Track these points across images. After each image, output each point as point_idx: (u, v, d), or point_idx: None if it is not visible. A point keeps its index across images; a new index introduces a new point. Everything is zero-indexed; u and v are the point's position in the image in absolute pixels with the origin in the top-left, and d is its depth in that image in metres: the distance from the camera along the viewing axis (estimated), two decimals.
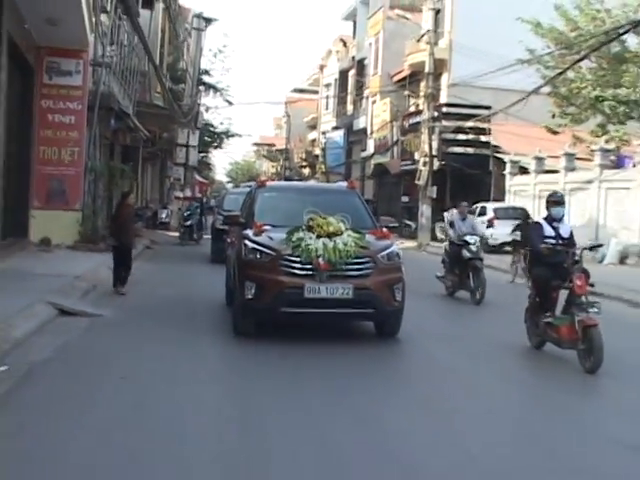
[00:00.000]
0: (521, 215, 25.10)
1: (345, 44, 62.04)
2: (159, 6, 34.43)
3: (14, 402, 6.52)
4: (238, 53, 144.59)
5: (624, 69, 27.67)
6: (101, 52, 21.57)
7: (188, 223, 28.67)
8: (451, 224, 15.19)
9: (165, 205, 39.67)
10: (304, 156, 74.81)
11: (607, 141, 27.44)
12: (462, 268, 14.46)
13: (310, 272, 9.43)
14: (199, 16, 41.84)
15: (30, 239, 18.67)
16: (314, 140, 72.16)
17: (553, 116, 30.72)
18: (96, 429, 5.82)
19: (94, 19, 19.49)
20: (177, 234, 29.71)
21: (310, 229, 9.71)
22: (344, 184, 14.22)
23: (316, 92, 73.20)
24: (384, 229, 10.97)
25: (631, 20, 22.11)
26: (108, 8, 21.44)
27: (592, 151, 27.47)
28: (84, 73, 20.02)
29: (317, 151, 67.82)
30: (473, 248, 14.32)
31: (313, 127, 74.43)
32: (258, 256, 9.69)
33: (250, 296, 9.54)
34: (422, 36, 34.53)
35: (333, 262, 9.35)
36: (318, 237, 9.56)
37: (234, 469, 5.20)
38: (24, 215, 18.59)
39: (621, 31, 22.92)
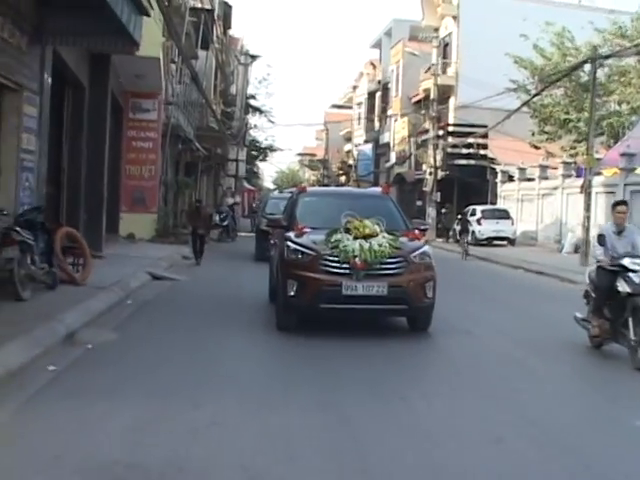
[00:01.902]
0: (465, 212, 30.51)
1: (374, 67, 66.12)
2: (213, 46, 39.24)
3: (138, 316, 11.14)
4: (281, 76, 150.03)
5: (585, 97, 31.67)
6: (171, 92, 26.40)
7: (225, 223, 31.28)
8: (600, 239, 9.60)
9: (218, 210, 44.15)
10: (340, 165, 78.89)
11: (573, 155, 31.48)
12: (616, 308, 9.14)
13: (347, 271, 9.46)
14: (246, 53, 46.65)
15: (120, 234, 23.36)
16: (349, 151, 75.83)
17: (533, 134, 34.82)
18: (180, 331, 10.45)
19: (166, 68, 24.27)
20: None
21: (347, 231, 9.77)
22: (379, 189, 14.38)
23: (351, 108, 77.39)
24: (416, 231, 10.95)
25: (588, 56, 25.82)
26: (175, 59, 26.21)
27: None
28: (158, 110, 24.71)
29: (351, 161, 72.02)
30: (635, 279, 8.83)
31: (348, 139, 78.01)
32: (299, 256, 9.77)
33: (292, 293, 9.62)
34: (429, 68, 38.99)
35: (369, 262, 9.41)
36: (355, 238, 9.62)
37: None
38: (115, 216, 23.02)
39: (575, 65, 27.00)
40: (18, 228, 10.07)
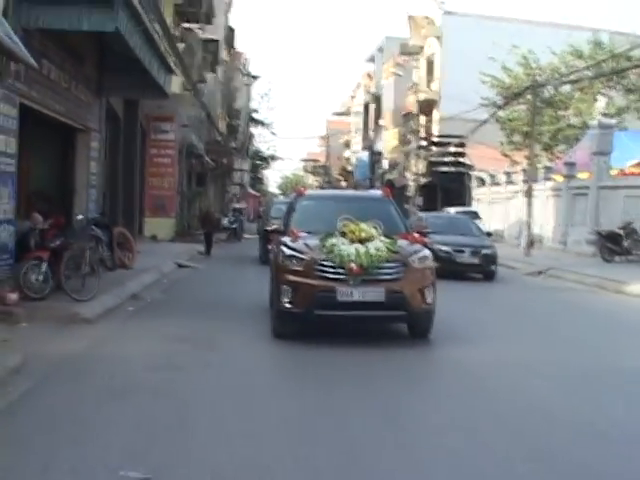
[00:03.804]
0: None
1: (371, 78, 71.16)
2: (219, 68, 44.42)
3: (174, 287, 16.18)
4: (282, 87, 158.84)
5: (545, 112, 36.68)
6: (185, 116, 31.51)
7: (234, 226, 36.05)
8: None
9: (226, 214, 49.40)
10: (340, 171, 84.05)
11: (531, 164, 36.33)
12: None
13: (343, 276, 9.23)
14: (248, 74, 51.95)
15: (144, 235, 28.35)
16: (348, 158, 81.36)
17: (502, 144, 39.81)
18: (203, 294, 15.58)
19: (181, 96, 29.33)
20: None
21: (343, 235, 9.60)
22: (379, 192, 14.05)
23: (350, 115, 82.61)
24: (416, 234, 10.87)
25: (533, 81, 31.05)
26: (188, 87, 31.28)
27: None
28: (175, 131, 29.84)
29: (350, 167, 77.22)
30: None
31: (347, 146, 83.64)
32: (294, 261, 9.57)
33: (286, 299, 9.44)
34: (412, 86, 44.13)
35: (365, 266, 9.17)
36: (351, 242, 9.43)
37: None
38: (141, 221, 28.24)
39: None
40: (94, 227, 15.12)
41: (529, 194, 27.49)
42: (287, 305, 9.49)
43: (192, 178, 37.18)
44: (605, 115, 26.93)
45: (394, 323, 10.53)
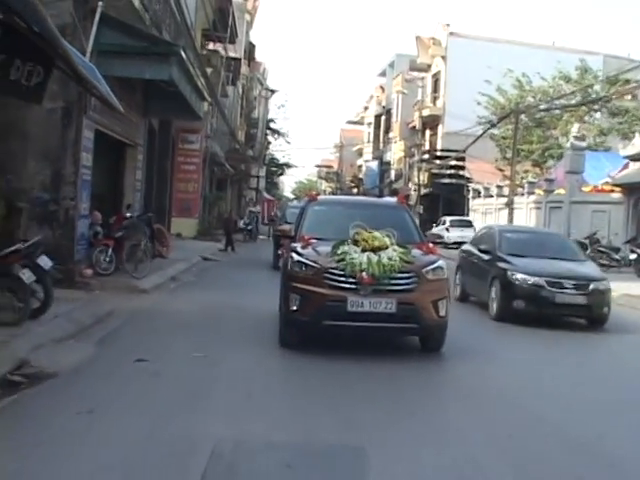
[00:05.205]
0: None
1: (383, 90, 74.96)
2: (240, 81, 48.56)
3: (203, 273, 20.15)
4: (299, 96, 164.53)
5: (535, 131, 40.61)
6: (209, 127, 35.62)
7: (249, 228, 40.08)
8: None
9: (242, 217, 53.43)
10: (352, 178, 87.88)
11: (523, 178, 40.32)
12: None
13: (354, 286, 9.00)
14: (266, 88, 56.07)
15: (171, 233, 32.26)
16: (360, 166, 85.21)
17: (496, 160, 43.71)
18: (226, 278, 19.65)
19: (206, 111, 33.38)
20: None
21: (355, 243, 9.37)
22: (393, 199, 14.22)
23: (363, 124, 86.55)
24: (430, 244, 10.64)
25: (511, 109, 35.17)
26: (212, 103, 35.36)
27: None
28: (200, 142, 33.81)
29: (361, 175, 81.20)
30: None
31: (360, 155, 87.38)
32: (303, 269, 9.38)
33: (294, 308, 9.25)
34: (415, 104, 48.13)
35: (377, 276, 8.95)
36: (363, 251, 9.20)
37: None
38: (169, 220, 32.16)
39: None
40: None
41: (510, 206, 31.40)
42: (295, 313, 9.31)
43: (213, 183, 41.26)
44: (577, 138, 30.63)
45: (405, 336, 10.40)
